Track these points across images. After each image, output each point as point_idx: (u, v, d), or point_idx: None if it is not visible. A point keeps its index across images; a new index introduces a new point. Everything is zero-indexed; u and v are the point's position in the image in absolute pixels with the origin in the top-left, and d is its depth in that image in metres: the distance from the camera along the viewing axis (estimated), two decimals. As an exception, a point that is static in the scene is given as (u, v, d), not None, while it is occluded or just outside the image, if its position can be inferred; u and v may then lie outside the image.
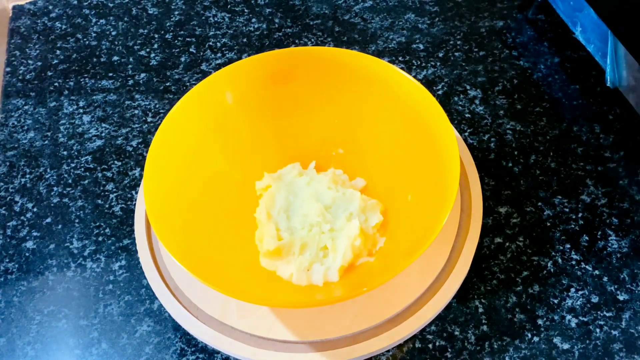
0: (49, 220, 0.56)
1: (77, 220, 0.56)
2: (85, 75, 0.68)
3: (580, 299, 0.49)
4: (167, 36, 0.72)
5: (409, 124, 0.51)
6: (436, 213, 0.44)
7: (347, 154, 0.55)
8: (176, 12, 0.75)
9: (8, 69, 0.70)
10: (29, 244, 0.55)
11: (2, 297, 0.52)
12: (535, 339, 0.47)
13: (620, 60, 0.61)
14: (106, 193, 0.58)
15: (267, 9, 0.74)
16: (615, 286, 0.50)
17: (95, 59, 0.70)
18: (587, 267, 0.51)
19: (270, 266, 0.48)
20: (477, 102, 0.63)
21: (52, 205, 0.58)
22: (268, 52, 0.54)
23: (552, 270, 0.51)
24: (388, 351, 0.47)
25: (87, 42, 0.72)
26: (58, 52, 0.71)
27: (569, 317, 0.48)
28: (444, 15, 0.72)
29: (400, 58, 0.68)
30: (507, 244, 0.53)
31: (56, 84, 0.68)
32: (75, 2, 0.77)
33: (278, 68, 0.54)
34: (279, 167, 0.55)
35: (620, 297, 0.49)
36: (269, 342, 0.45)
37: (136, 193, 0.58)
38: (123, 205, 0.57)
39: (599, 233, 0.53)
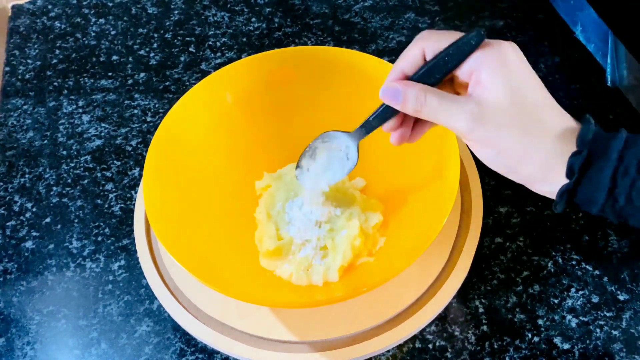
0: (48, 220, 0.56)
1: (76, 220, 0.56)
2: (85, 74, 0.68)
3: (581, 299, 0.49)
4: (166, 36, 0.72)
5: (409, 123, 0.51)
6: (436, 213, 0.44)
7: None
8: (176, 12, 0.75)
9: (7, 69, 0.70)
10: (28, 244, 0.55)
11: (2, 297, 0.52)
12: (536, 339, 0.47)
13: (621, 59, 0.61)
14: (105, 193, 0.58)
15: (266, 9, 0.74)
16: (616, 286, 0.50)
17: (94, 59, 0.70)
18: (587, 267, 0.51)
19: (270, 266, 0.48)
20: (477, 101, 0.63)
21: (51, 205, 0.57)
22: (268, 52, 0.54)
23: (552, 270, 0.51)
24: (388, 351, 0.47)
25: (86, 42, 0.72)
26: (57, 51, 0.71)
27: (569, 317, 0.48)
28: (444, 15, 0.72)
29: (400, 57, 0.68)
30: (508, 243, 0.52)
31: (55, 83, 0.68)
32: (75, 2, 0.77)
33: (278, 68, 0.54)
34: (279, 167, 0.54)
35: (621, 297, 0.49)
36: (269, 342, 0.45)
37: (135, 193, 0.58)
38: (122, 205, 0.57)
39: (599, 233, 0.53)
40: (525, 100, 0.35)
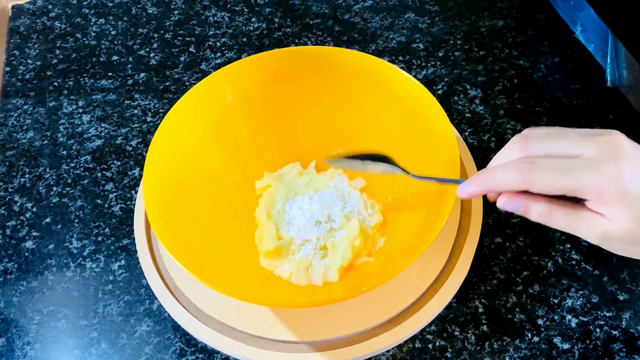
0: (48, 220, 0.56)
1: (76, 220, 0.56)
2: (85, 74, 0.68)
3: (581, 299, 0.49)
4: (166, 36, 0.72)
5: (409, 123, 0.51)
6: (436, 213, 0.44)
7: (347, 153, 0.55)
8: (176, 12, 0.75)
9: (7, 69, 0.70)
10: (29, 244, 0.55)
11: (2, 297, 0.52)
12: (536, 339, 0.47)
13: (621, 59, 0.61)
14: (106, 193, 0.58)
15: (266, 9, 0.74)
16: (615, 286, 0.50)
17: (94, 59, 0.70)
18: (587, 267, 0.51)
19: (270, 266, 0.48)
20: (477, 101, 0.63)
21: (51, 205, 0.57)
22: (268, 52, 0.54)
23: (552, 270, 0.51)
24: (388, 351, 0.47)
25: (86, 42, 0.72)
26: (57, 51, 0.71)
27: (569, 317, 0.48)
28: (444, 15, 0.72)
29: (400, 57, 0.68)
30: (507, 243, 0.52)
31: (55, 83, 0.68)
32: (75, 2, 0.77)
33: (278, 68, 0.54)
34: (279, 167, 0.55)
35: (620, 297, 0.49)
36: (269, 342, 0.45)
37: (136, 193, 0.58)
38: (122, 205, 0.57)
39: (599, 233, 0.53)
40: None
